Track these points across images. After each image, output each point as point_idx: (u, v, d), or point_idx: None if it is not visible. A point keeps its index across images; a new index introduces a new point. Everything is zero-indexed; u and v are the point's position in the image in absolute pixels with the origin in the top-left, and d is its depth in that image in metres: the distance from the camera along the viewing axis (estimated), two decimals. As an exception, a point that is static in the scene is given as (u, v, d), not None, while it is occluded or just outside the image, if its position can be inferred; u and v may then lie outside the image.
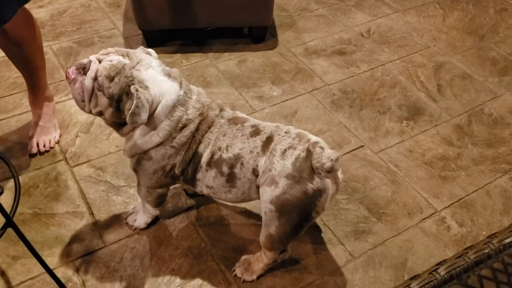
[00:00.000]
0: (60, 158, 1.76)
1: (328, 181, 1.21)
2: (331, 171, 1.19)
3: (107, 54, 1.26)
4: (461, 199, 1.68)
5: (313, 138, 1.26)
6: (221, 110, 1.33)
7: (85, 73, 1.23)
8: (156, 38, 2.29)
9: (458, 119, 1.99)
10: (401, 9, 2.66)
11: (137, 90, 1.17)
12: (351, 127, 1.93)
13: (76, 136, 1.85)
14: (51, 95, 1.86)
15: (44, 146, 1.78)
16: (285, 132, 1.27)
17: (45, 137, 1.79)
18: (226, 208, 1.61)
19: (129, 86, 1.18)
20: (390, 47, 2.38)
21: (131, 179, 1.69)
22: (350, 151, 1.83)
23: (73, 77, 1.25)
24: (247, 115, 1.40)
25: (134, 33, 2.40)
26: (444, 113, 2.01)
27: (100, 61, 1.24)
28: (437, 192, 1.70)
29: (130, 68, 1.21)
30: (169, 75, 1.27)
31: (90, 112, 1.27)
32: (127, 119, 1.18)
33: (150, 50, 1.32)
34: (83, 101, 1.26)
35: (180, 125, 1.26)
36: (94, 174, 1.70)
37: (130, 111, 1.17)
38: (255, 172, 1.25)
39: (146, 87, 1.19)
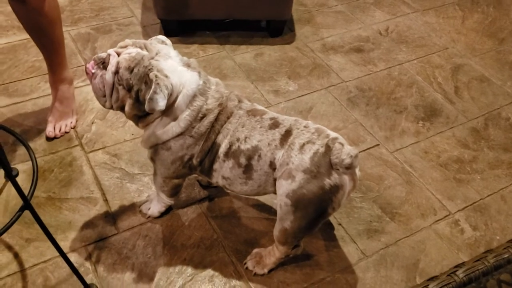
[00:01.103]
0: (76, 144, 1.77)
1: (346, 178, 1.21)
2: (349, 168, 1.19)
3: (125, 47, 1.26)
4: (475, 202, 1.67)
5: (332, 134, 1.26)
6: (239, 101, 1.33)
7: (105, 67, 1.23)
8: (174, 28, 2.28)
9: (474, 122, 1.97)
10: (421, 9, 2.63)
11: (156, 76, 1.17)
12: (367, 125, 1.92)
13: (92, 123, 1.85)
14: (71, 77, 1.85)
15: (60, 130, 1.79)
16: (304, 127, 1.26)
17: (63, 122, 1.80)
18: (239, 201, 1.61)
19: (148, 75, 1.18)
20: (408, 46, 2.36)
21: (146, 167, 1.69)
22: (366, 150, 1.82)
23: (93, 72, 1.25)
24: None
25: (152, 22, 2.39)
26: (460, 116, 2.00)
27: (118, 54, 1.24)
28: (451, 194, 1.69)
29: (149, 58, 1.21)
30: (188, 65, 1.27)
31: (111, 107, 1.27)
32: (145, 106, 1.18)
33: (164, 38, 1.31)
34: (104, 96, 1.26)
35: (200, 115, 1.26)
36: (109, 161, 1.71)
37: (148, 97, 1.17)
38: (272, 165, 1.25)
39: (166, 76, 1.19)
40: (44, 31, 1.65)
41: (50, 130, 1.77)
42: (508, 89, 2.14)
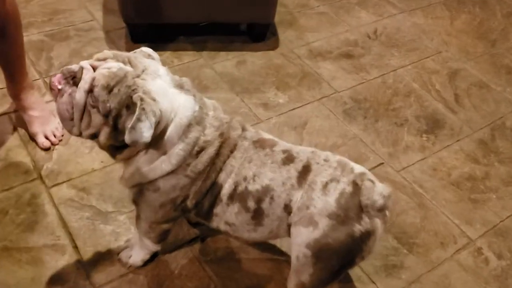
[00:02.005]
0: (35, 176, 1.47)
1: (378, 221, 1.01)
2: (383, 209, 0.99)
3: (103, 59, 1.00)
4: (495, 226, 1.51)
5: (357, 167, 1.05)
6: (243, 129, 1.10)
7: (75, 84, 0.97)
8: (143, 33, 2.01)
9: (480, 133, 1.83)
10: (407, 9, 2.48)
11: (142, 100, 0.92)
12: (367, 141, 1.74)
13: (53, 149, 1.56)
14: (31, 82, 1.61)
15: (54, 136, 1.57)
16: (324, 160, 1.05)
17: (50, 126, 1.58)
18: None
19: (131, 97, 0.93)
20: (400, 50, 2.19)
21: (121, 203, 1.42)
22: (370, 170, 1.62)
23: (59, 88, 0.99)
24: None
25: (116, 26, 2.11)
26: (465, 126, 1.85)
27: (95, 68, 0.98)
28: (469, 218, 1.52)
29: (134, 76, 0.96)
30: (181, 87, 1.03)
31: (79, 134, 1.01)
32: (125, 137, 0.93)
33: (150, 51, 1.07)
34: (72, 119, 0.99)
35: (196, 148, 1.02)
36: (76, 197, 1.43)
37: (130, 125, 0.92)
38: (287, 209, 1.03)
39: (154, 100, 0.95)
40: (8, 36, 1.41)
41: (43, 141, 1.55)
42: (509, 95, 2.02)
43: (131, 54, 1.03)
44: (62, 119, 1.00)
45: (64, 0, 2.23)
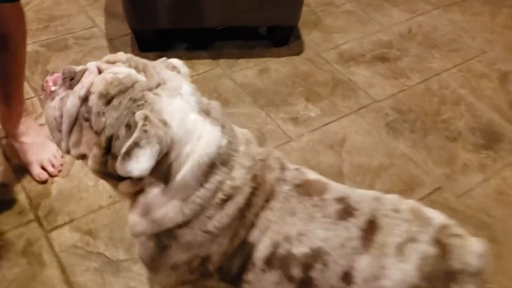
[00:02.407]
0: (30, 218, 1.23)
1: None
2: (479, 274, 0.75)
3: (113, 62, 0.77)
4: None
5: (434, 216, 0.81)
6: (282, 167, 0.85)
7: (71, 87, 0.75)
8: (151, 40, 1.76)
9: (546, 147, 1.58)
10: (442, 5, 2.23)
11: (146, 119, 0.69)
12: (418, 160, 1.49)
13: (51, 182, 1.32)
14: (27, 107, 1.39)
15: (53, 166, 1.33)
16: (394, 210, 0.80)
17: (45, 155, 1.33)
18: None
19: (133, 113, 0.70)
20: (440, 51, 1.94)
21: (135, 249, 1.18)
22: (426, 196, 1.39)
23: (52, 89, 0.77)
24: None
25: (121, 33, 1.86)
26: (527, 139, 1.60)
27: (100, 71, 0.75)
28: (549, 253, 1.28)
29: (144, 89, 0.73)
30: (206, 113, 0.79)
31: (67, 151, 0.79)
32: (116, 165, 0.70)
33: (177, 62, 0.84)
34: (60, 131, 0.77)
35: (220, 196, 0.77)
36: (81, 242, 1.19)
37: (124, 149, 0.68)
38: (347, 278, 0.78)
39: (164, 123, 0.71)
40: (8, 48, 1.21)
41: (39, 172, 1.31)
42: None
43: (150, 62, 0.79)
44: (50, 128, 0.79)
45: (61, 5, 1.99)
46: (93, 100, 0.72)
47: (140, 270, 1.14)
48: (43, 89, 0.78)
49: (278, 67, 1.79)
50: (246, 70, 1.76)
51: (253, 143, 0.85)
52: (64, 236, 1.20)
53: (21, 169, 1.33)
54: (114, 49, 1.79)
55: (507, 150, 1.56)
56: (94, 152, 0.73)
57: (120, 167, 0.69)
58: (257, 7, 1.69)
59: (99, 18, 1.94)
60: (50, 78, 0.78)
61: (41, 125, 1.43)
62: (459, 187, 1.42)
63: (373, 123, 1.60)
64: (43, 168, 1.32)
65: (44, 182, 1.31)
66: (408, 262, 0.75)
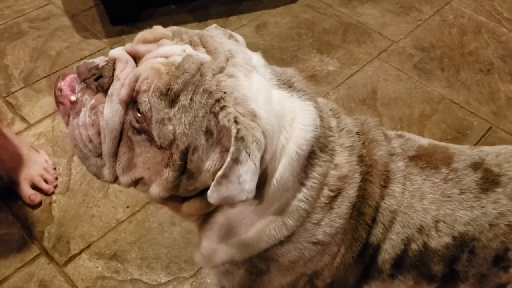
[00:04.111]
0: (36, 253, 0.98)
1: None
2: None
3: (155, 41, 0.55)
4: None
5: None
6: (386, 137, 0.66)
7: (102, 89, 0.54)
8: (124, 10, 1.47)
9: None
10: None
11: (236, 122, 0.50)
12: (460, 101, 1.33)
13: (50, 202, 1.06)
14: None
15: (47, 181, 1.07)
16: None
17: (35, 169, 1.06)
18: None
19: (213, 113, 0.50)
20: (444, -23, 1.76)
21: (177, 264, 0.97)
22: (480, 140, 1.24)
23: (72, 99, 0.55)
24: None
25: (83, 6, 1.56)
26: (562, 58, 1.47)
27: (138, 58, 0.53)
28: None
29: (216, 72, 0.52)
30: (289, 85, 0.59)
31: (114, 179, 0.57)
32: (208, 193, 0.50)
33: (230, 31, 0.64)
34: (100, 155, 0.55)
35: (327, 193, 0.59)
36: (108, 271, 0.96)
37: (220, 174, 0.49)
38: (500, 262, 0.62)
39: (255, 115, 0.51)
40: None
41: (30, 193, 1.04)
42: None
43: (202, 31, 0.57)
44: (82, 156, 0.57)
45: (-1, -17, 1.64)
46: (147, 102, 0.50)
47: (190, 291, 0.93)
48: (58, 102, 0.53)
49: (277, 19, 1.55)
50: (241, 29, 1.52)
51: (340, 112, 0.66)
52: (85, 267, 0.96)
53: (7, 193, 1.07)
54: (80, 27, 1.49)
55: (546, 73, 1.42)
56: (166, 176, 0.51)
57: (216, 196, 0.48)
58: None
59: (51, -8, 1.61)
60: (63, 84, 0.54)
61: (17, 133, 1.15)
62: (510, 123, 1.28)
63: (400, 67, 1.41)
64: (35, 187, 1.06)
65: (38, 204, 1.05)
66: None
